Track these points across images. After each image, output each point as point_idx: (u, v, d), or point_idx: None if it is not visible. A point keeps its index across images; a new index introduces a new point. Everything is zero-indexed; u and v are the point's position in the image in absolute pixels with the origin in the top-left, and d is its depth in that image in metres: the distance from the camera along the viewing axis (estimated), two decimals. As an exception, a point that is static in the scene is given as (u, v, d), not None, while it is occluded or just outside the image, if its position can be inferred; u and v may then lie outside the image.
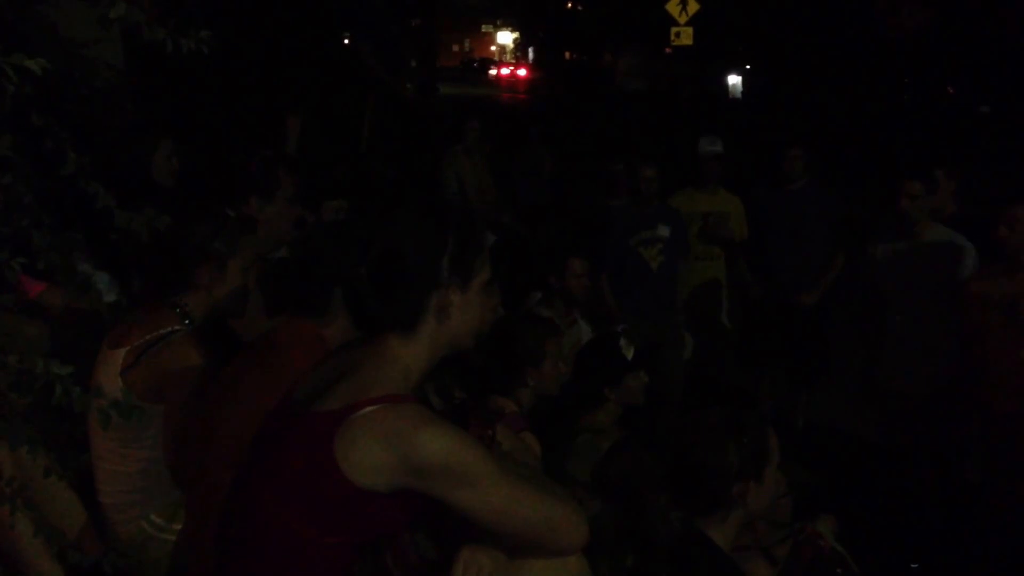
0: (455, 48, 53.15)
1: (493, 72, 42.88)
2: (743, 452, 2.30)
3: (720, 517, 2.32)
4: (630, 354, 3.64)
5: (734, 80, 32.75)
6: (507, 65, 45.72)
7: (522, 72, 41.84)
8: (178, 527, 2.59)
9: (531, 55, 47.73)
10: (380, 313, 1.74)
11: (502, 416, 2.50)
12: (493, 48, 56.27)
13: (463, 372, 2.83)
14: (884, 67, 22.93)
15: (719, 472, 2.30)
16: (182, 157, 4.54)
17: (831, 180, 6.39)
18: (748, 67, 31.65)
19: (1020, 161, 16.02)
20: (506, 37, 55.77)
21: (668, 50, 28.52)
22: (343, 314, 2.29)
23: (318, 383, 1.74)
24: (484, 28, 56.98)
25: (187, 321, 2.71)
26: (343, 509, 1.64)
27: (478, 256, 1.77)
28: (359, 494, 1.62)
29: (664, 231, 5.63)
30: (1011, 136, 17.87)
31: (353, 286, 1.76)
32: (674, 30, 20.23)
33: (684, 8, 19.01)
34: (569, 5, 41.54)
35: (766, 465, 2.34)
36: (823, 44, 24.53)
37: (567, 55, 39.33)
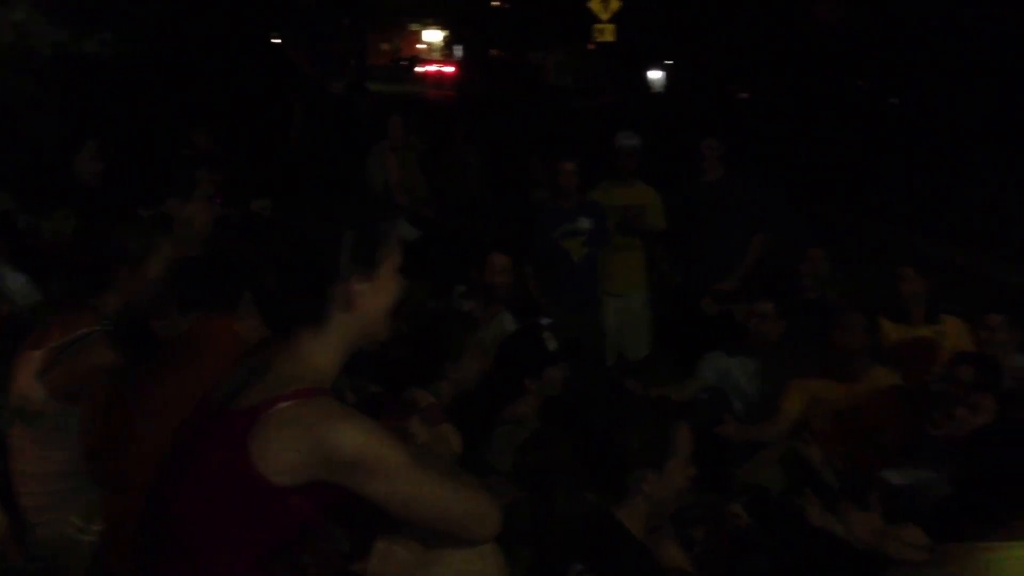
0: (384, 47, 52.76)
1: (421, 70, 42.73)
2: (643, 440, 2.36)
3: (629, 503, 2.39)
4: (552, 346, 3.71)
5: (657, 75, 33.24)
6: (434, 62, 45.55)
7: (449, 69, 41.79)
8: (97, 528, 2.58)
9: (459, 52, 47.69)
10: (284, 308, 1.77)
11: (417, 409, 2.54)
12: (422, 46, 56.07)
13: (381, 366, 2.86)
14: (801, 61, 23.51)
15: (618, 457, 2.36)
16: (106, 158, 4.49)
17: (750, 171, 6.56)
18: (670, 62, 32.14)
19: (930, 151, 16.66)
20: (434, 35, 55.62)
21: (591, 46, 28.81)
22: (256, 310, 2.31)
23: (234, 381, 1.76)
24: (412, 27, 56.68)
25: (105, 321, 2.70)
26: (258, 507, 1.65)
27: (382, 243, 1.79)
28: (274, 491, 1.64)
29: (586, 224, 5.72)
30: (919, 125, 18.55)
31: (257, 282, 1.79)
32: (597, 27, 20.47)
33: (606, 5, 19.27)
34: (496, 3, 41.60)
35: (669, 457, 2.39)
36: (742, 39, 25.04)
37: (493, 52, 39.43)
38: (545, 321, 4.15)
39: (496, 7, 41.30)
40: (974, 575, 2.04)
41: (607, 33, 20.53)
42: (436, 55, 51.42)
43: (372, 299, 1.77)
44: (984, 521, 2.11)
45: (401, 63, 45.40)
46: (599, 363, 5.54)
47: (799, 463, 3.47)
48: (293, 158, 8.38)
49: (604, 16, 19.78)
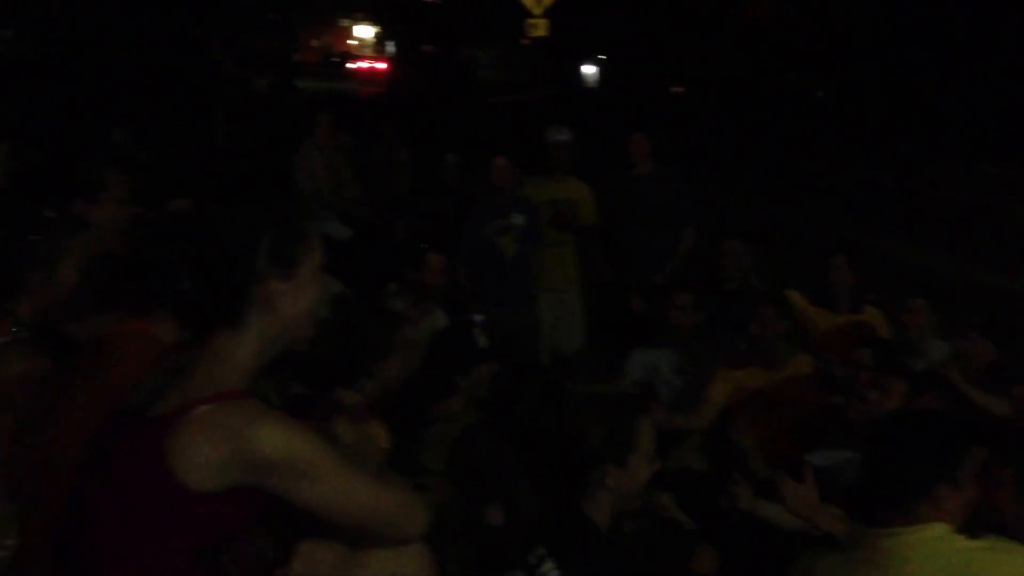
0: (314, 43, 52.26)
1: (352, 66, 42.37)
2: (606, 435, 2.35)
3: (592, 497, 2.37)
4: (483, 343, 3.71)
5: (591, 70, 33.41)
6: (366, 59, 45.17)
7: (381, 66, 41.51)
8: (11, 542, 2.50)
9: (391, 48, 47.37)
10: (201, 309, 1.72)
11: (343, 409, 2.51)
12: (354, 42, 55.58)
13: (306, 366, 2.82)
14: (732, 55, 23.91)
15: (580, 452, 2.36)
16: (21, 159, 4.36)
17: (682, 165, 6.63)
18: (603, 58, 32.34)
19: (856, 141, 17.08)
20: (366, 31, 55.14)
21: (525, 41, 28.84)
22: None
23: (151, 387, 1.71)
24: (343, 22, 56.13)
25: (20, 328, 2.61)
26: (179, 514, 1.61)
27: (301, 242, 1.74)
28: (195, 497, 1.60)
29: (518, 219, 5.74)
30: (845, 117, 19.05)
31: (174, 282, 1.75)
32: (530, 22, 20.50)
33: (539, 0, 19.30)
34: (429, -2, 41.47)
35: (631, 452, 2.37)
36: (675, 34, 25.36)
37: (426, 48, 39.24)
38: (476, 318, 4.14)
39: (428, 2, 41.11)
40: (878, 560, 2.08)
41: (540, 28, 20.57)
42: (368, 51, 50.99)
43: (292, 300, 1.73)
44: (886, 507, 2.15)
45: (332, 59, 44.98)
46: (533, 359, 5.56)
47: (725, 449, 3.52)
48: (216, 157, 8.26)
49: (537, 11, 19.82)
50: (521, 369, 4.01)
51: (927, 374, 4.00)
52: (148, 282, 2.38)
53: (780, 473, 3.01)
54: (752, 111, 21.32)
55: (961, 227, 11.52)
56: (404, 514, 1.77)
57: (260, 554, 1.76)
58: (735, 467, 3.35)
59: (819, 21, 20.93)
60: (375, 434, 2.56)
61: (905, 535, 2.07)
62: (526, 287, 5.84)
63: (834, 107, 21.03)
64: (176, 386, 1.66)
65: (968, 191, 13.62)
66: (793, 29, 21.99)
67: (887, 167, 15.37)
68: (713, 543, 3.00)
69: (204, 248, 1.71)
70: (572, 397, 3.16)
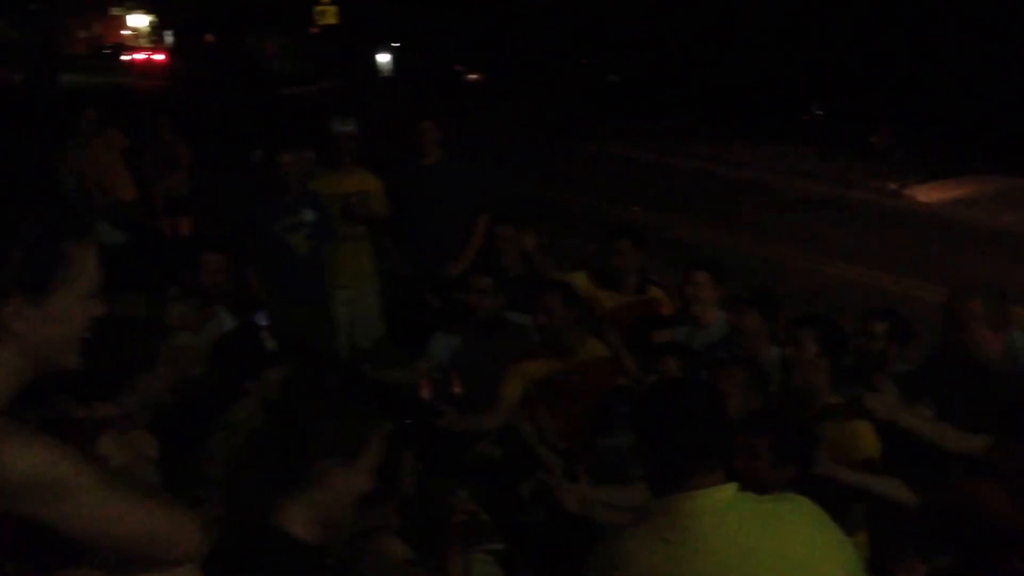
0: (82, 34, 48.94)
1: (127, 58, 40.01)
2: (338, 430, 2.11)
3: (301, 498, 2.11)
4: (271, 346, 3.57)
5: (385, 58, 32.90)
6: (142, 50, 42.74)
7: (159, 57, 39.44)
8: None
9: (170, 39, 45.11)
10: None
11: (107, 424, 2.34)
12: (127, 32, 52.43)
13: (63, 380, 2.60)
14: (526, 41, 24.25)
15: (309, 442, 2.10)
16: None
17: (476, 152, 6.62)
18: (397, 44, 31.98)
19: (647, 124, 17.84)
20: (140, 20, 52.08)
21: (315, 30, 28.15)
22: None
23: None
24: (115, 11, 52.80)
25: None
26: None
27: (60, 266, 1.59)
28: None
29: (308, 216, 5.57)
30: (636, 100, 19.88)
31: None
32: (318, 9, 20.07)
33: (327, -14, 18.89)
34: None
35: (360, 456, 2.13)
36: (468, 20, 25.49)
37: (208, 38, 37.60)
38: (263, 321, 3.98)
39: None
40: (677, 524, 2.13)
41: (328, 15, 20.22)
42: (144, 42, 48.30)
43: (41, 326, 1.58)
44: (660, 476, 2.21)
45: (104, 51, 42.42)
46: (331, 357, 5.41)
47: (520, 442, 3.55)
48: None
49: (325, -2, 19.41)
50: (315, 368, 3.88)
51: (702, 353, 4.16)
52: None
53: (556, 479, 3.03)
54: (547, 96, 21.80)
55: (737, 203, 12.29)
56: (175, 533, 1.66)
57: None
58: (532, 459, 3.37)
59: (610, 5, 21.49)
60: (142, 445, 2.40)
61: (699, 497, 2.12)
62: (319, 284, 5.68)
63: (626, 91, 21.73)
64: None
65: (747, 168, 14.53)
66: (585, 13, 22.50)
67: (676, 149, 16.11)
68: (511, 533, 3.00)
69: None
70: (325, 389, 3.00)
